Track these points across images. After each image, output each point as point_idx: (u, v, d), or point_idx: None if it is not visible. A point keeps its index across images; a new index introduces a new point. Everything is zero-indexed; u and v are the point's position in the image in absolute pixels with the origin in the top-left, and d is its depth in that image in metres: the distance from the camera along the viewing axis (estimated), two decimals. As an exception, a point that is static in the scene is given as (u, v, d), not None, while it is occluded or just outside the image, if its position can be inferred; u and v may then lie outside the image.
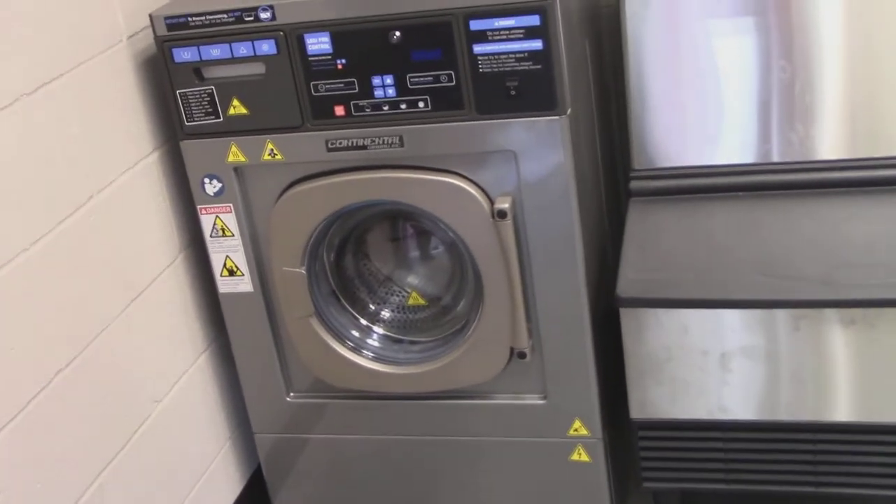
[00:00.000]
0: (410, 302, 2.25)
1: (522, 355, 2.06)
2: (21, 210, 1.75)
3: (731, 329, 1.93)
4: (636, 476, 2.14)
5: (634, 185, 2.13)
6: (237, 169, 2.06)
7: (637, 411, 2.04)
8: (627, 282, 1.91)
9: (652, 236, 2.03)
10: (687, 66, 2.07)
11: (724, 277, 1.89)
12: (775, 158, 2.03)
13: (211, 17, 1.93)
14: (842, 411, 1.97)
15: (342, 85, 1.92)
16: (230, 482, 2.40)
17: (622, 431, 2.18)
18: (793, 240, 1.92)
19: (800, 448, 2.02)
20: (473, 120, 1.90)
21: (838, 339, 1.92)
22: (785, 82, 1.98)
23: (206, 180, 2.08)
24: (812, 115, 1.99)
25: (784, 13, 1.95)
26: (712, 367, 1.96)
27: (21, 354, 1.74)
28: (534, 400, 2.13)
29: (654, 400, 2.02)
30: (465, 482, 2.28)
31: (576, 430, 2.13)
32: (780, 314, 1.91)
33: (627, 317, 1.96)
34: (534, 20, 1.80)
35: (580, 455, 2.15)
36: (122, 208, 2.02)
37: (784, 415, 1.99)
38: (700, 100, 2.08)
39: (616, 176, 2.48)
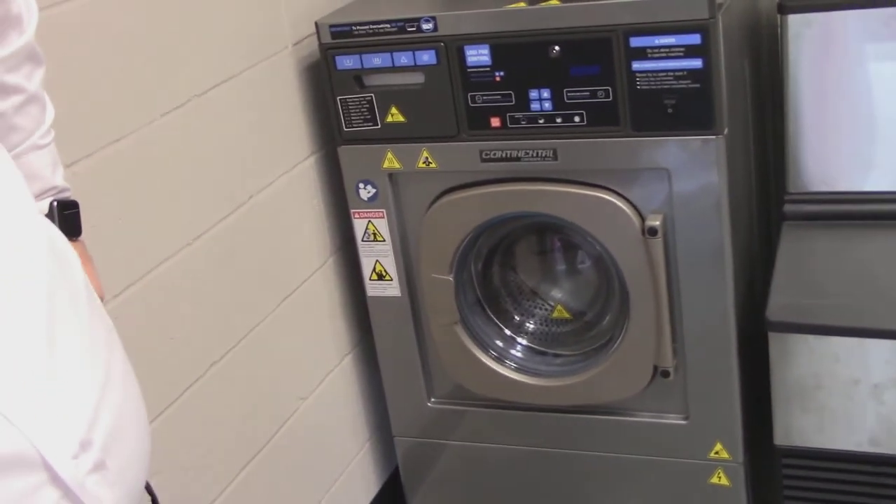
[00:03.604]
0: (555, 315, 2.26)
1: (666, 374, 2.04)
2: (186, 206, 1.82)
3: (885, 360, 1.88)
4: (777, 504, 2.11)
5: (788, 208, 2.10)
6: (392, 175, 2.10)
7: (782, 438, 2.00)
8: (778, 306, 1.88)
9: (804, 261, 2.00)
10: (847, 89, 2.03)
11: (878, 306, 1.85)
12: (938, 187, 1.98)
13: (374, 26, 1.98)
14: None
15: (499, 97, 1.95)
16: (367, 483, 2.44)
17: (764, 457, 2.14)
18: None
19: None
20: (628, 136, 1.90)
21: None
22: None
23: (361, 185, 2.13)
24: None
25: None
26: (864, 397, 1.91)
27: (180, 345, 1.81)
28: (675, 420, 2.12)
29: (800, 428, 1.98)
30: (601, 499, 2.27)
31: (717, 452, 2.10)
32: (938, 347, 1.86)
33: (776, 341, 1.93)
34: (694, 39, 1.79)
35: (720, 479, 2.12)
36: (279, 209, 2.08)
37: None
38: (860, 124, 2.04)
39: (769, 198, 2.45)
